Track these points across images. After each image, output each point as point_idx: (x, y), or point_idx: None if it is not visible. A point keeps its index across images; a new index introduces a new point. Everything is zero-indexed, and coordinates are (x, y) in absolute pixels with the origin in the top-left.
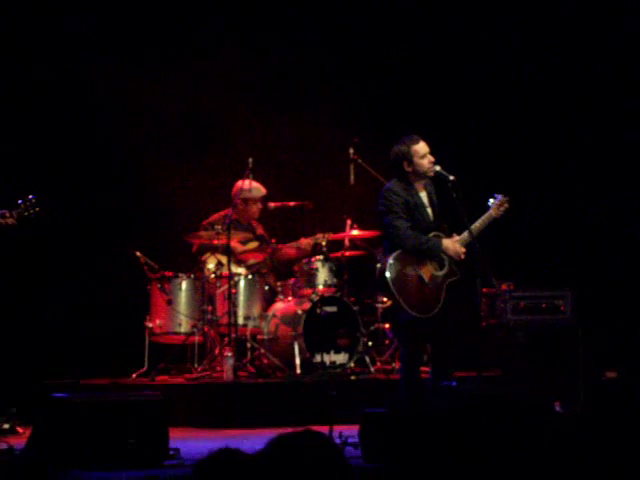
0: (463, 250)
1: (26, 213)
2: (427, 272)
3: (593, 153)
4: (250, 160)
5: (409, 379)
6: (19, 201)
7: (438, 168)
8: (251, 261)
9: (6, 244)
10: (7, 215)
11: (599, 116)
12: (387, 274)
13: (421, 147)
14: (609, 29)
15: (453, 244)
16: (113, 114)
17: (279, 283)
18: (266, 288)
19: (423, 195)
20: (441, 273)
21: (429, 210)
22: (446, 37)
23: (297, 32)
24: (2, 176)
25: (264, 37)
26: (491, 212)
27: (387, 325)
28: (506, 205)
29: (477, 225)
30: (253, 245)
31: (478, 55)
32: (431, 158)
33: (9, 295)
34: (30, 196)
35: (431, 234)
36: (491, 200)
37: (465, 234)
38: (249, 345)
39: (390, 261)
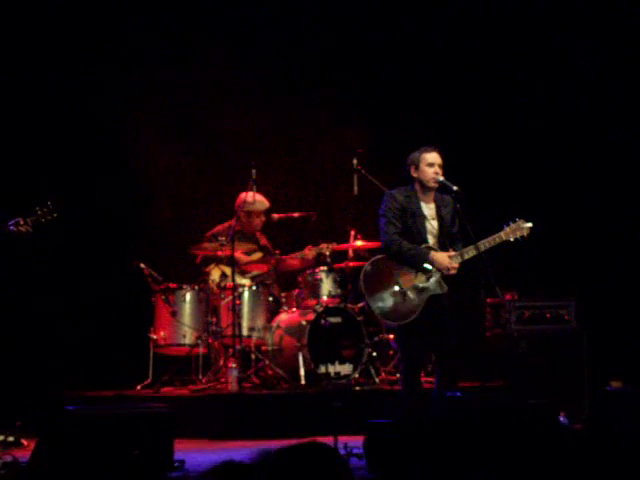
0: (455, 265)
1: (43, 219)
2: (408, 281)
3: (595, 163)
4: (253, 171)
5: (407, 388)
6: (36, 207)
7: (442, 178)
8: (254, 272)
9: (19, 253)
10: (22, 223)
11: (603, 126)
12: (361, 276)
13: (430, 156)
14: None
15: (443, 258)
16: (118, 126)
17: (283, 294)
18: (270, 299)
19: (430, 207)
20: (424, 285)
21: (433, 223)
22: (456, 49)
23: (301, 42)
24: (8, 185)
25: (268, 48)
26: (501, 234)
27: (391, 336)
28: (524, 232)
29: (484, 243)
30: (257, 256)
31: (488, 66)
32: (437, 169)
33: (12, 308)
34: (48, 202)
35: (422, 246)
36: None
37: (466, 249)
38: (253, 356)
39: (368, 264)
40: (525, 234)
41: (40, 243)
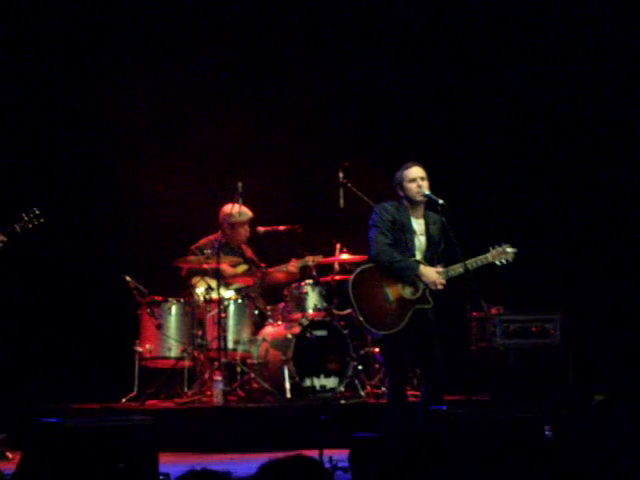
0: (442, 281)
1: (30, 225)
2: (395, 292)
3: (581, 179)
4: (240, 184)
5: (393, 401)
6: (22, 214)
7: (427, 192)
8: (238, 284)
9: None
10: None
11: (590, 145)
12: (349, 284)
13: (412, 171)
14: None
15: (431, 272)
16: (103, 138)
17: (269, 307)
18: (256, 312)
19: (419, 222)
20: (411, 297)
21: (421, 238)
22: (439, 61)
23: (286, 54)
24: None
25: (253, 61)
26: (488, 255)
27: (377, 349)
28: (509, 257)
29: (471, 262)
30: (242, 268)
31: (477, 80)
32: (421, 183)
33: None
34: (34, 208)
35: (412, 259)
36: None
37: (454, 267)
38: (239, 369)
39: (356, 272)
40: (510, 259)
41: (24, 254)
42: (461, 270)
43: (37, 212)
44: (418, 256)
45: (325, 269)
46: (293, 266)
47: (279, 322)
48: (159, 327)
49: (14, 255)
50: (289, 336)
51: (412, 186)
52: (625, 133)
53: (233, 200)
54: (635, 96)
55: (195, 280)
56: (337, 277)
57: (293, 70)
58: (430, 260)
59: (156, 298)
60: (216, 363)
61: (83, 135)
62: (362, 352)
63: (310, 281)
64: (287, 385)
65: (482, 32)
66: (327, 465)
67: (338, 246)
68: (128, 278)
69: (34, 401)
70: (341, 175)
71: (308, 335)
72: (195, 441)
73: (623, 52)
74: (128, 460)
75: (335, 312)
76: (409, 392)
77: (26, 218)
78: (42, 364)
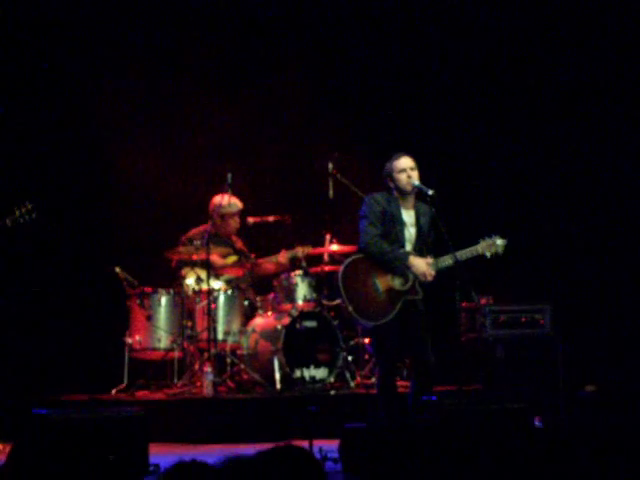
0: (431, 272)
1: (22, 220)
2: (384, 282)
3: (568, 170)
4: (229, 175)
5: (383, 392)
6: (14, 208)
7: (417, 183)
8: (227, 275)
9: None
10: None
11: (581, 132)
12: (339, 274)
13: (401, 162)
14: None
15: (420, 263)
16: (93, 129)
17: (258, 298)
18: (245, 303)
19: (409, 213)
20: (400, 288)
21: (411, 230)
22: (429, 52)
23: (276, 44)
24: None
25: (242, 52)
26: (478, 247)
27: (367, 340)
28: (499, 249)
29: (461, 254)
30: (232, 259)
31: (461, 70)
32: (410, 173)
33: None
34: (26, 202)
35: (402, 250)
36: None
37: (443, 258)
38: (229, 360)
39: (346, 263)
40: (500, 251)
41: (14, 245)
42: (451, 261)
43: (30, 206)
44: (408, 247)
45: (315, 260)
46: (283, 257)
47: (269, 313)
48: (149, 318)
49: (2, 246)
50: (279, 327)
51: (402, 177)
52: (618, 126)
53: (223, 191)
54: (635, 91)
55: (185, 271)
56: (327, 268)
57: (283, 61)
58: (420, 251)
59: (146, 289)
60: (206, 354)
61: (73, 126)
62: (352, 343)
63: (300, 272)
64: (277, 376)
65: (472, 23)
66: (317, 455)
67: (328, 237)
68: (118, 269)
69: (24, 392)
70: (331, 166)
71: (298, 326)
72: (185, 432)
73: (622, 45)
74: (118, 451)
75: (325, 303)
76: (398, 383)
77: (18, 212)
78: (32, 355)
